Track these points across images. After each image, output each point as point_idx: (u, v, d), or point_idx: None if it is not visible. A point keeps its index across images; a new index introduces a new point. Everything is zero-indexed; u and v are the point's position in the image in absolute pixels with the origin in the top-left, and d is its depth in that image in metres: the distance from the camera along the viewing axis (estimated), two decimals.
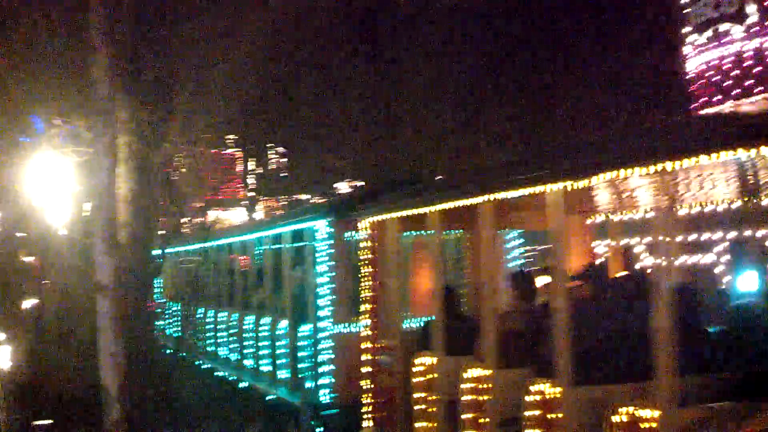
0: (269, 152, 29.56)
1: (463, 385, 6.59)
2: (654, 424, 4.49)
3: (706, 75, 12.82)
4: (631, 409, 4.72)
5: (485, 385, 6.31)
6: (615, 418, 4.76)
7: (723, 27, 12.49)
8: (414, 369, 7.52)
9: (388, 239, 8.19)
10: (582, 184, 5.25)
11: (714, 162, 4.51)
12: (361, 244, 8.80)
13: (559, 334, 5.36)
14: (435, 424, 7.08)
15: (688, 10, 13.23)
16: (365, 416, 8.44)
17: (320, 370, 10.26)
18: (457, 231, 7.67)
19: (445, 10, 22.95)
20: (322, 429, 10.16)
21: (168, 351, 17.60)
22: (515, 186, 5.83)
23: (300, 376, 11.02)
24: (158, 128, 13.06)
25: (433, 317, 7.36)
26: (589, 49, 21.36)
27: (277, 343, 11.95)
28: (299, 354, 11.06)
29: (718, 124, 4.74)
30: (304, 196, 29.78)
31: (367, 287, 8.62)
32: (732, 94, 12.18)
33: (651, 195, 6.47)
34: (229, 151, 25.15)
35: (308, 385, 10.67)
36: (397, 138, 24.18)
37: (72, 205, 13.90)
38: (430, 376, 7.24)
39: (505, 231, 9.32)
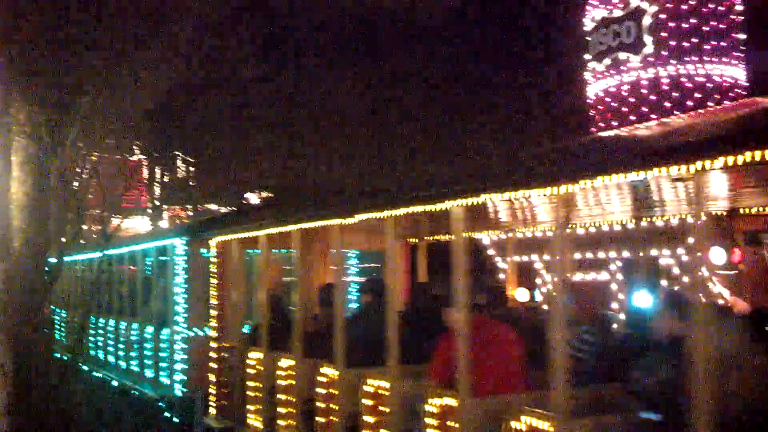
0: (177, 160, 29.09)
1: (278, 372, 8.46)
2: (386, 392, 6.73)
3: (605, 101, 13.32)
4: (374, 381, 6.88)
5: (292, 372, 8.23)
6: (365, 388, 6.97)
7: (621, 56, 13.01)
8: (247, 363, 9.19)
9: (232, 256, 9.91)
10: (349, 221, 7.16)
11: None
12: (211, 260, 10.47)
13: (338, 332, 7.40)
14: (260, 406, 8.80)
15: (588, 38, 13.73)
16: (210, 404, 10.15)
17: (175, 367, 11.97)
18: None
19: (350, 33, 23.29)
20: (174, 418, 11.79)
21: (57, 356, 17.33)
22: (311, 220, 7.89)
23: (160, 373, 12.59)
24: (57, 132, 12.69)
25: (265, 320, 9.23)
26: (489, 72, 21.87)
27: (145, 345, 13.49)
28: (160, 355, 12.62)
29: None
30: (212, 206, 29.40)
31: (214, 296, 10.32)
32: (629, 119, 12.68)
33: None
34: (134, 158, 24.64)
35: (166, 381, 12.31)
36: (303, 151, 24.33)
37: None
38: (258, 368, 8.94)
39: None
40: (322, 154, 24.58)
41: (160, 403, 12.30)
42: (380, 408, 6.81)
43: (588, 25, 13.78)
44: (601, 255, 10.10)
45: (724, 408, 4.57)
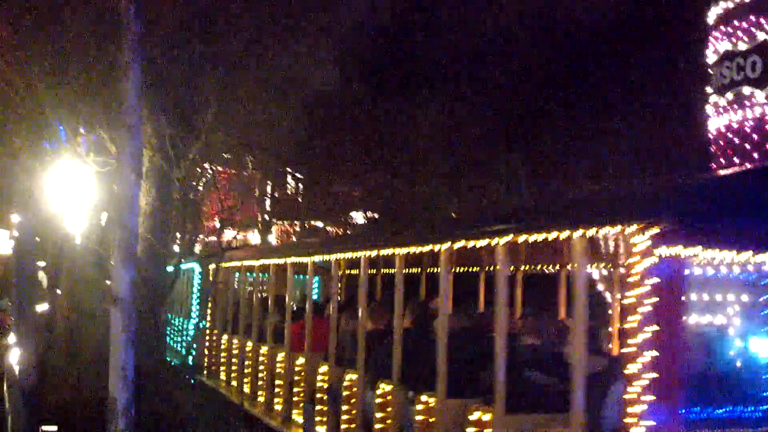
0: (287, 177, 29.73)
1: (232, 347, 13.55)
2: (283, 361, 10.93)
3: (727, 136, 12.96)
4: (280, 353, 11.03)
5: (237, 346, 13.26)
6: (278, 357, 11.16)
7: (746, 90, 12.65)
8: (221, 342, 14.42)
9: (224, 276, 15.00)
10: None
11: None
12: (211, 278, 15.61)
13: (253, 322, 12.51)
14: (224, 368, 13.95)
15: (711, 71, 13.40)
16: (205, 369, 15.45)
17: (192, 346, 17.01)
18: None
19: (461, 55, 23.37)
20: (188, 377, 16.32)
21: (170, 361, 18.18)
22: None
23: (186, 351, 17.53)
24: (180, 145, 13.20)
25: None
26: (609, 103, 21.49)
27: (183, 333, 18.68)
28: (187, 339, 17.54)
29: None
30: (318, 223, 29.91)
31: (210, 301, 15.67)
32: (753, 156, 12.31)
33: None
34: (247, 173, 25.38)
35: (188, 356, 17.24)
36: (410, 174, 24.48)
37: (89, 214, 14.04)
38: (224, 345, 14.07)
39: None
40: (419, 178, 24.68)
41: (181, 369, 17.16)
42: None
43: (711, 57, 13.46)
44: (719, 298, 9.77)
45: None
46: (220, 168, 19.59)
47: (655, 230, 4.80)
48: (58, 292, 16.18)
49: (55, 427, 7.04)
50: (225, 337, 14.19)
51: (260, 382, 11.88)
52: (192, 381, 16.13)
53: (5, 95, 12.85)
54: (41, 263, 18.48)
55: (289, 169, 28.16)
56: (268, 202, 30.21)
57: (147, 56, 10.39)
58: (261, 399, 11.77)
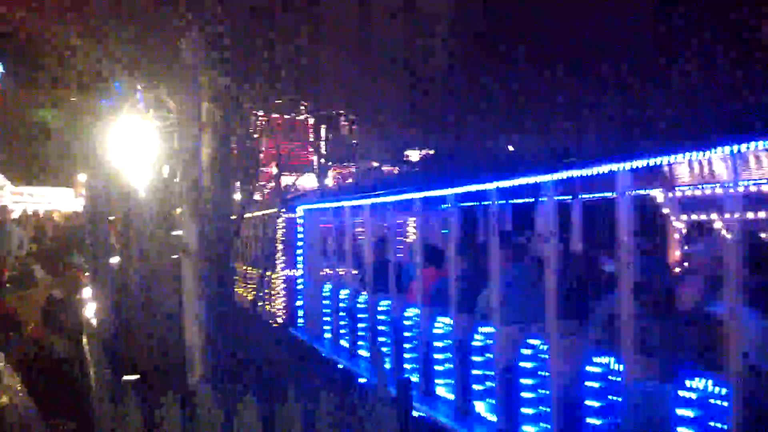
0: (340, 120, 29.77)
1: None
2: None
3: None
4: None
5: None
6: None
7: None
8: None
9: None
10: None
11: None
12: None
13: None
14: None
15: None
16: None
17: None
18: None
19: None
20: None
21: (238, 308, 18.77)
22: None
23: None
24: (235, 95, 13.28)
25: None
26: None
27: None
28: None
29: None
30: (374, 164, 30.01)
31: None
32: None
33: None
34: (300, 117, 25.48)
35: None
36: (464, 109, 24.27)
37: (152, 168, 14.29)
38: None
39: None
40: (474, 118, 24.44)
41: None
42: None
43: None
44: None
45: None
46: (274, 114, 19.76)
47: (283, 211, 16.67)
48: (128, 245, 16.60)
49: (137, 376, 7.32)
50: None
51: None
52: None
53: (60, 54, 13.05)
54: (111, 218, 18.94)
55: (341, 111, 28.20)
56: (323, 145, 30.37)
57: (204, 11, 10.44)
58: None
